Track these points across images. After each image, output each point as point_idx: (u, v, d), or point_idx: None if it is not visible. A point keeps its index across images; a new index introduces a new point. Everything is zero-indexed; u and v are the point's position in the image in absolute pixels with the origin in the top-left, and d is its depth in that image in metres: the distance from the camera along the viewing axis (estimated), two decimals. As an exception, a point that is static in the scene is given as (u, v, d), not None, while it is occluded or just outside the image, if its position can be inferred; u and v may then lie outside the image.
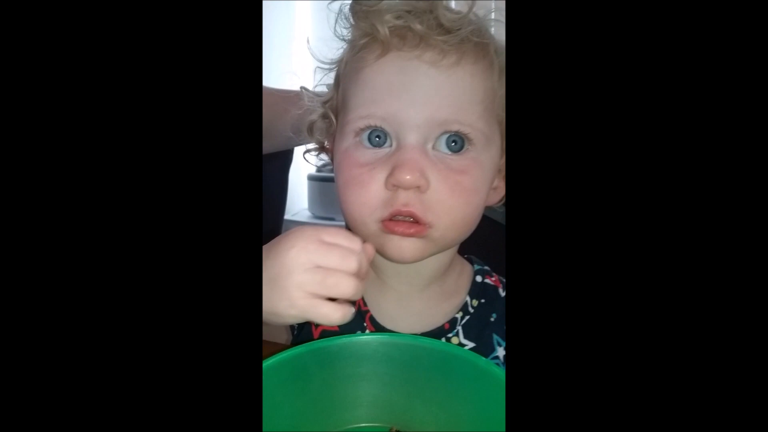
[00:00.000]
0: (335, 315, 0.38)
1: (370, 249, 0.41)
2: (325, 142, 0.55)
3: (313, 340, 0.43)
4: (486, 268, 0.57)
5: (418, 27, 0.44)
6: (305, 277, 0.38)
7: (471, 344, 0.52)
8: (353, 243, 0.40)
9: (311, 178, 1.74)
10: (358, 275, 0.39)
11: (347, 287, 0.38)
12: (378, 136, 0.46)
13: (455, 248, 0.54)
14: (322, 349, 0.37)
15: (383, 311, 0.54)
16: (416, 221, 0.45)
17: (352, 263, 0.39)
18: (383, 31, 0.44)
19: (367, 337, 0.39)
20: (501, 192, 0.53)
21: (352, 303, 0.39)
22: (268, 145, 0.83)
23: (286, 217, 1.66)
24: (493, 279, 0.56)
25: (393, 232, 0.45)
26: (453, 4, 0.48)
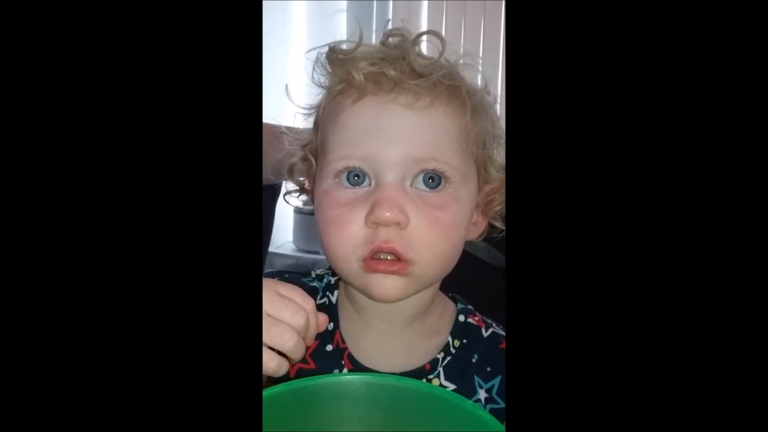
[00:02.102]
0: (271, 364, 0.39)
1: (323, 320, 0.42)
2: (305, 184, 0.55)
3: (290, 378, 0.41)
4: (469, 307, 0.55)
5: (392, 73, 0.44)
6: None
7: (452, 386, 0.50)
8: (306, 302, 0.40)
9: (297, 211, 1.72)
10: (302, 334, 0.39)
11: (288, 340, 0.39)
12: (357, 176, 0.46)
13: (437, 286, 0.52)
14: (302, 389, 0.35)
15: (362, 349, 0.51)
16: (398, 257, 0.44)
17: (299, 319, 0.39)
18: (358, 77, 0.45)
19: (349, 377, 0.36)
20: (480, 227, 0.52)
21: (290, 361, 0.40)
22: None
23: (271, 249, 1.63)
24: (476, 319, 0.54)
25: (375, 271, 0.44)
26: (425, 50, 0.49)
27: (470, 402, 0.34)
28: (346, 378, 0.36)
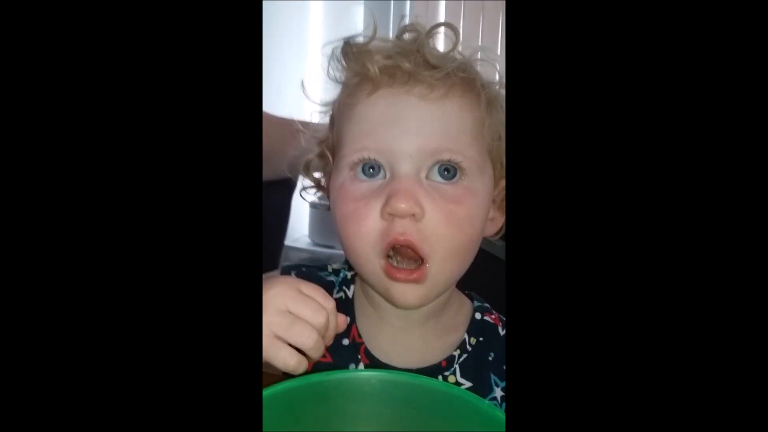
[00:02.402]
0: (291, 361, 0.39)
1: (342, 321, 0.42)
2: (322, 180, 0.55)
3: (306, 371, 0.40)
4: (486, 305, 0.55)
5: (406, 65, 0.44)
6: (275, 318, 0.39)
7: (468, 383, 0.49)
8: (327, 302, 0.41)
9: (313, 205, 1.72)
10: (322, 333, 0.39)
11: (309, 338, 0.39)
12: (372, 168, 0.45)
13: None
14: (318, 384, 0.34)
15: (378, 344, 0.51)
16: (414, 251, 0.43)
17: (320, 318, 0.40)
18: (373, 70, 0.44)
19: (366, 374, 0.36)
20: (498, 223, 0.51)
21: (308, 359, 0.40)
22: (274, 172, 0.81)
23: (287, 243, 1.63)
24: (493, 317, 0.53)
25: (396, 279, 0.44)
26: (442, 47, 0.48)
27: (486, 401, 0.33)
28: (362, 374, 0.36)
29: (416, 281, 0.44)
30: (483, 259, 0.50)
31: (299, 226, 1.77)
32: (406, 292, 0.45)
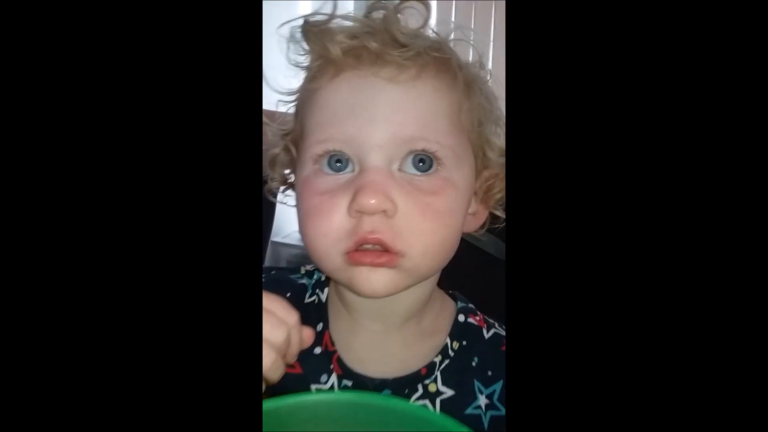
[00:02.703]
0: None
1: (308, 336, 0.37)
2: (288, 177, 0.49)
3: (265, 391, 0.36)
4: (470, 306, 0.50)
5: (373, 44, 0.39)
6: None
7: (450, 392, 0.45)
8: (289, 316, 0.35)
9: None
10: (281, 352, 0.34)
11: (265, 359, 0.33)
12: (339, 161, 0.40)
13: (434, 281, 0.47)
14: (272, 411, 0.30)
15: (353, 352, 0.46)
16: (385, 249, 0.39)
17: (279, 335, 0.34)
18: (335, 51, 0.40)
19: (327, 396, 0.32)
20: (481, 218, 0.47)
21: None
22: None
23: (277, 239, 1.59)
24: (477, 318, 0.49)
25: (360, 263, 0.39)
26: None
27: (466, 428, 0.29)
28: (323, 397, 0.32)
29: (385, 265, 0.39)
30: (467, 251, 0.46)
31: (290, 222, 1.73)
32: (372, 277, 0.39)
